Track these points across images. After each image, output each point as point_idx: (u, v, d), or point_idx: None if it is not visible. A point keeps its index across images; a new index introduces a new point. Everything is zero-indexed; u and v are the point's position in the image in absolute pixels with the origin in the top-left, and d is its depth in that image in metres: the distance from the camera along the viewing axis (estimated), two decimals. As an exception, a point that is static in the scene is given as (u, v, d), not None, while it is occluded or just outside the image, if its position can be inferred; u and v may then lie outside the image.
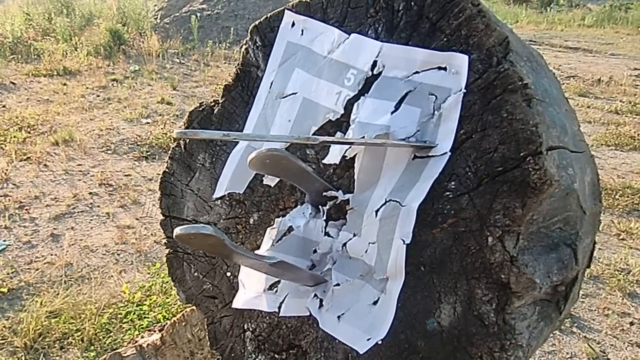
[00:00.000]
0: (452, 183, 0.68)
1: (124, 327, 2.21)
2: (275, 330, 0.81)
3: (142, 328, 2.17)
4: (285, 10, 0.86)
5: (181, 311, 1.57)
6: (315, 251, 0.78)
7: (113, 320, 2.25)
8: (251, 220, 0.86)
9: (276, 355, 0.81)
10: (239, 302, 0.82)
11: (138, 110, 4.70)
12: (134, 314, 2.29)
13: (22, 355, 2.01)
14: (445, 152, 0.68)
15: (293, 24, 0.84)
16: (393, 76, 0.74)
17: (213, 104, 0.92)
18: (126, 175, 3.59)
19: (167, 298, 2.39)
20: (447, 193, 0.68)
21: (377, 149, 0.73)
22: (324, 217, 0.78)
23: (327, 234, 0.78)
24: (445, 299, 0.68)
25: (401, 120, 0.71)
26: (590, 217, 0.80)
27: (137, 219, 3.09)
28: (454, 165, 0.68)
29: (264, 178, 0.85)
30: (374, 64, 0.76)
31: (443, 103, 0.69)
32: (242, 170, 0.86)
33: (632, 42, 8.75)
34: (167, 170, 0.95)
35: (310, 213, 0.79)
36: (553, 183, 0.62)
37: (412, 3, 0.74)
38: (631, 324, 2.21)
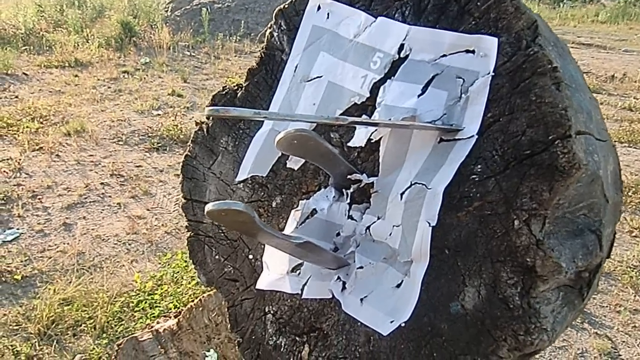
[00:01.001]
0: (479, 166, 0.68)
1: (135, 316, 2.23)
2: (296, 313, 0.82)
3: (154, 317, 2.19)
4: (311, -6, 0.86)
5: (192, 300, 1.58)
6: (338, 234, 0.79)
7: (125, 308, 2.27)
8: (274, 204, 0.87)
9: (297, 338, 0.82)
10: (262, 284, 0.83)
11: (149, 102, 4.72)
12: (146, 302, 2.31)
13: (35, 342, 2.03)
14: (472, 135, 0.68)
15: (319, 8, 0.84)
16: (420, 59, 0.74)
17: (236, 87, 0.92)
18: (137, 166, 3.61)
19: (178, 288, 2.41)
20: (474, 176, 0.68)
21: (403, 132, 0.73)
22: (348, 200, 0.78)
23: (350, 217, 0.78)
24: (469, 282, 0.68)
25: (428, 103, 0.71)
26: (612, 207, 0.79)
27: (148, 210, 3.11)
28: (480, 149, 0.68)
29: (287, 161, 0.85)
30: (401, 47, 0.75)
31: (470, 86, 0.69)
32: (265, 153, 0.86)
33: (645, 40, 8.65)
34: (189, 153, 0.96)
35: (334, 196, 0.79)
36: (581, 167, 0.62)
37: (440, -14, 0.74)
38: (643, 320, 2.20)
